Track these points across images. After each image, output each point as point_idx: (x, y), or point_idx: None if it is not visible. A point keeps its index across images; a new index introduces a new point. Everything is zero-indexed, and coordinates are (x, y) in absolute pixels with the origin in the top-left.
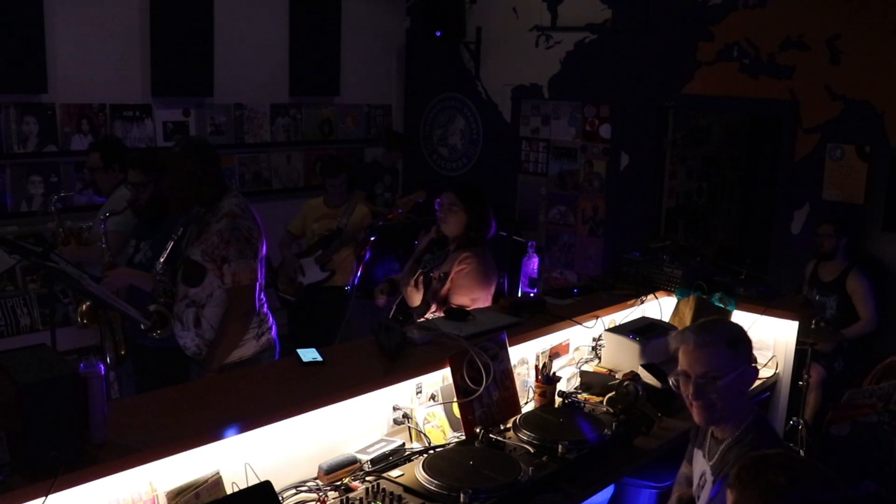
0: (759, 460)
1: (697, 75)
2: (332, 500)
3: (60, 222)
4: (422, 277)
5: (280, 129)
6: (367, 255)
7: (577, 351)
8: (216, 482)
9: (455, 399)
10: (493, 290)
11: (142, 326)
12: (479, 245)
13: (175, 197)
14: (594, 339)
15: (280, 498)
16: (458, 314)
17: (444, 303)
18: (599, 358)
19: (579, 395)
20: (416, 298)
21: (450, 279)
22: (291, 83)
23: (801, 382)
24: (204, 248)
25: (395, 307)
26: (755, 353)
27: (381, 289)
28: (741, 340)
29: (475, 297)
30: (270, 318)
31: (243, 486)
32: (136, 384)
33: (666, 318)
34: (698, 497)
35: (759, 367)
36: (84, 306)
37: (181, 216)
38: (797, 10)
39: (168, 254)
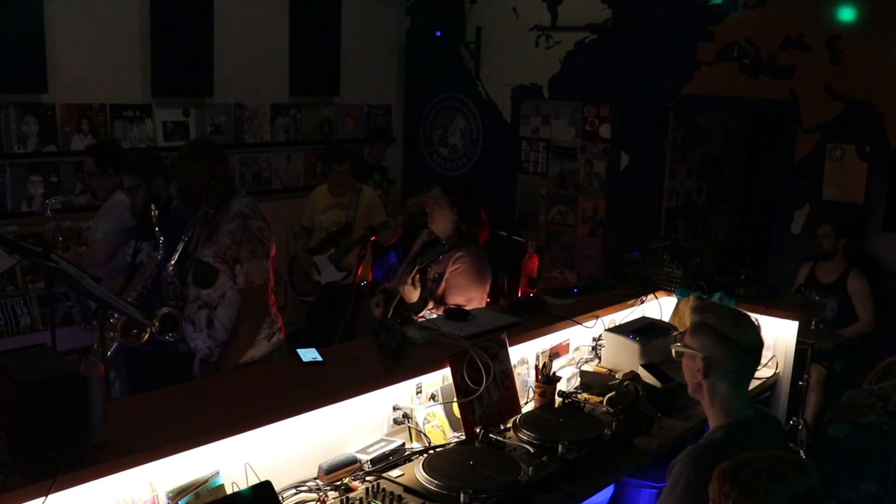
0: (734, 468)
1: (697, 75)
2: (332, 500)
3: (58, 226)
4: (418, 275)
5: (280, 128)
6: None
7: (577, 351)
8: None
9: (455, 399)
10: (487, 288)
11: (151, 329)
12: (472, 243)
13: (184, 197)
14: (594, 339)
15: (280, 498)
16: (458, 314)
17: (440, 301)
18: (599, 358)
19: (579, 395)
20: (414, 295)
21: (444, 279)
22: (291, 83)
23: (801, 382)
24: (216, 249)
25: (392, 310)
26: None
27: (377, 301)
28: None
29: (470, 297)
30: (280, 319)
31: (243, 486)
32: (129, 386)
33: (666, 318)
34: None
35: (759, 367)
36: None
37: (187, 217)
38: (797, 10)
39: (178, 256)
